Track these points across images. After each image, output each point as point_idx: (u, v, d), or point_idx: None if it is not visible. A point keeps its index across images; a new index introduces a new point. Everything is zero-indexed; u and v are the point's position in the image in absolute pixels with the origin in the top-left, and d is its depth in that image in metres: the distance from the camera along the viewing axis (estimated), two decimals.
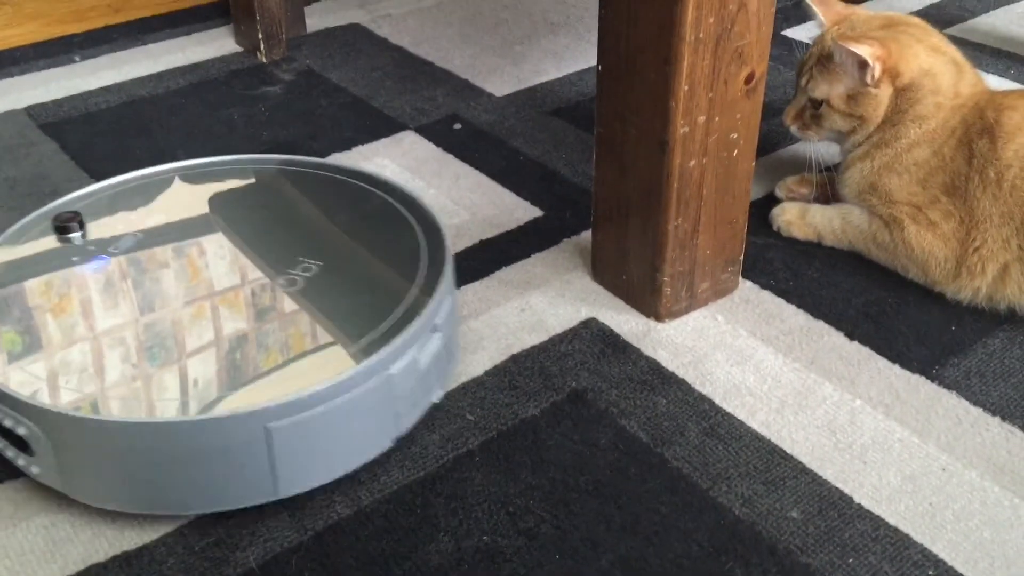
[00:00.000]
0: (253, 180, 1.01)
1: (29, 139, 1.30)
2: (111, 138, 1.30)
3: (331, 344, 0.81)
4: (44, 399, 0.75)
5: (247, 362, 0.79)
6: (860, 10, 1.09)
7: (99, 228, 0.93)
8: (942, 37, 1.05)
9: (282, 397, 0.74)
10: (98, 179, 1.20)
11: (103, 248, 0.90)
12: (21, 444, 0.77)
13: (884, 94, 1.01)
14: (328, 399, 0.76)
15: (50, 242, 0.91)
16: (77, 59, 1.50)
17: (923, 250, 1.00)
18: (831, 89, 1.03)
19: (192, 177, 1.01)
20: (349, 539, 0.76)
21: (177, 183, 1.00)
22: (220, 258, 0.90)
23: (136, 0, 1.64)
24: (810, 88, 1.05)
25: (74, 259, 0.89)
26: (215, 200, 0.97)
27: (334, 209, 0.97)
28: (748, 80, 0.89)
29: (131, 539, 0.76)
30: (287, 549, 0.76)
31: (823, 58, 1.03)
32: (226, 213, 0.96)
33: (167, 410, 0.75)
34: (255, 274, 0.88)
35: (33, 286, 0.86)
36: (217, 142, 1.29)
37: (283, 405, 0.74)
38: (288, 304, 0.85)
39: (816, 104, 1.05)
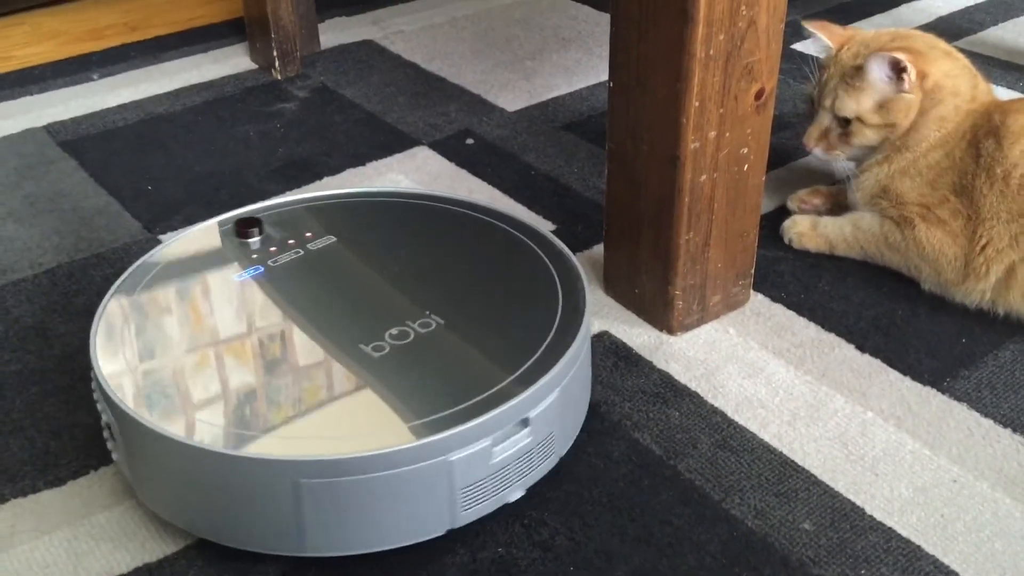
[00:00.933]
0: (405, 215, 0.98)
1: (48, 156, 1.32)
2: (129, 155, 1.32)
3: (405, 414, 0.75)
4: (120, 394, 0.76)
5: (319, 407, 0.76)
6: (861, 31, 1.10)
7: (269, 239, 0.94)
8: (950, 48, 1.07)
9: (315, 454, 0.71)
10: (115, 195, 1.22)
11: (265, 258, 0.91)
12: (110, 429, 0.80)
13: (917, 98, 1.02)
14: (368, 470, 0.71)
15: (221, 242, 0.93)
16: (95, 77, 1.52)
17: (934, 248, 1.01)
18: (859, 105, 1.04)
19: (354, 205, 1.00)
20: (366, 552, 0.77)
21: (346, 209, 0.99)
22: (350, 292, 0.88)
23: (152, 19, 1.66)
24: (837, 108, 1.05)
25: (234, 263, 0.91)
26: (367, 231, 0.96)
27: (466, 254, 0.93)
28: (758, 96, 0.90)
29: (152, 551, 0.78)
30: (306, 561, 0.76)
31: (847, 76, 1.04)
32: (362, 249, 0.93)
33: (220, 435, 0.74)
34: (373, 319, 0.84)
35: (179, 284, 0.88)
36: (233, 159, 1.31)
37: (315, 463, 0.71)
38: (394, 360, 0.80)
39: (844, 122, 1.06)
